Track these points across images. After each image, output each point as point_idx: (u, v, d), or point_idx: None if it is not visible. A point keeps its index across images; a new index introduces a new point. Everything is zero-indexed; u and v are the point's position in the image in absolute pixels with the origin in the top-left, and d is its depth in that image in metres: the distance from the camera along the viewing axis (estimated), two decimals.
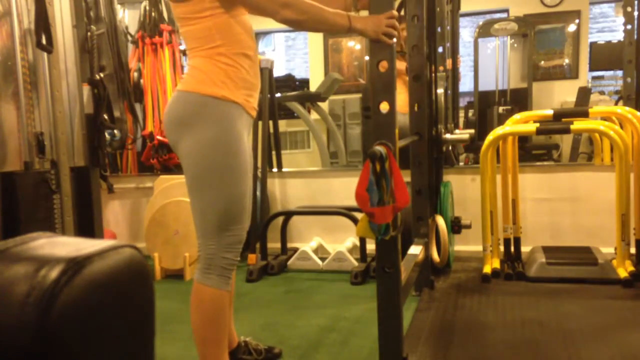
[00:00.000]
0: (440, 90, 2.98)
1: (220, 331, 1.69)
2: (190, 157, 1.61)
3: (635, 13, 3.42)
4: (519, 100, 5.84)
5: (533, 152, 5.30)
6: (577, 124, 2.98)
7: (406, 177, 2.72)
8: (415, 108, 2.67)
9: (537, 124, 2.99)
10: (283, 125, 5.98)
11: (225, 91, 1.61)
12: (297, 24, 1.65)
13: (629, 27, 3.47)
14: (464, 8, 4.16)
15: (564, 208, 3.44)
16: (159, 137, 3.83)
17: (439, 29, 3.05)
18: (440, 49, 3.14)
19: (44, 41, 2.64)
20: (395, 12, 1.69)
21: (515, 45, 6.33)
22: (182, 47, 3.96)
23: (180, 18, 1.66)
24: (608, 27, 6.72)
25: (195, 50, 1.64)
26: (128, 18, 4.41)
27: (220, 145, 1.59)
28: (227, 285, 1.65)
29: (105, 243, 0.55)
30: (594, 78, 6.28)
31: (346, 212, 3.22)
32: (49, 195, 2.71)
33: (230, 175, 1.61)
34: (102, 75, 2.95)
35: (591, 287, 2.78)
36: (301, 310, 2.69)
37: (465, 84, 6.33)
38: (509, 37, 6.14)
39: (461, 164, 4.49)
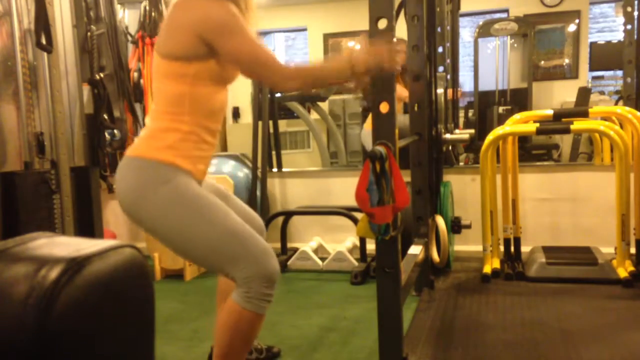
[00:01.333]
0: (440, 90, 2.98)
1: (249, 347, 1.68)
2: (159, 227, 1.53)
3: (635, 13, 3.41)
4: (519, 100, 5.85)
5: (533, 152, 5.30)
6: (577, 124, 2.98)
7: (406, 177, 2.72)
8: (415, 108, 2.67)
9: (537, 124, 2.99)
10: (283, 125, 5.97)
11: (174, 158, 1.52)
12: (302, 90, 1.61)
13: (629, 27, 3.47)
14: (464, 8, 4.16)
15: (564, 208, 3.44)
16: None
17: (439, 29, 3.05)
18: (440, 49, 3.14)
19: (44, 41, 2.63)
20: (398, 49, 1.61)
21: (515, 45, 6.33)
22: None
23: (159, 72, 1.57)
24: (608, 27, 6.72)
25: (159, 112, 1.57)
26: (128, 18, 4.41)
27: (179, 200, 1.51)
28: (265, 310, 1.57)
29: (105, 243, 0.55)
30: (594, 78, 6.28)
31: (346, 212, 3.22)
32: (49, 195, 2.71)
33: (205, 215, 1.51)
34: (102, 75, 2.95)
35: (591, 287, 2.78)
36: (301, 310, 2.69)
37: (465, 84, 6.33)
38: (509, 37, 6.14)
39: (461, 164, 4.49)
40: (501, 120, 5.09)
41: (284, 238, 3.57)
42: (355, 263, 3.30)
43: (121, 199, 1.56)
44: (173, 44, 1.52)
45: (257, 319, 1.55)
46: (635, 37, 3.43)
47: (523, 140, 4.75)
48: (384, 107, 1.74)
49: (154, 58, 1.60)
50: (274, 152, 4.10)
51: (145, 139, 1.57)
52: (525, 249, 3.22)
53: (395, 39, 1.67)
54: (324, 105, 5.62)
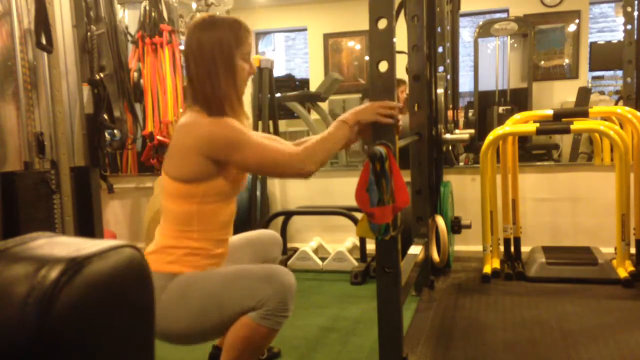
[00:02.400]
0: (440, 90, 2.98)
1: (258, 356, 1.70)
2: (174, 329, 1.55)
3: (635, 13, 3.42)
4: (519, 100, 5.85)
5: (533, 152, 5.30)
6: (577, 124, 2.98)
7: (406, 177, 2.72)
8: (415, 108, 2.67)
9: (537, 124, 2.99)
10: (283, 125, 5.97)
11: (181, 269, 1.55)
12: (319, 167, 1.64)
13: (629, 27, 3.47)
14: (464, 8, 4.16)
15: (564, 208, 3.44)
16: (158, 137, 3.83)
17: (439, 29, 3.05)
18: (440, 49, 3.14)
19: (44, 41, 2.64)
20: (391, 103, 1.67)
21: (515, 45, 6.33)
22: (182, 47, 3.96)
23: (168, 192, 1.60)
24: (608, 27, 6.72)
25: (167, 229, 1.60)
26: (128, 18, 4.41)
27: (203, 303, 1.52)
28: (282, 325, 1.56)
29: (105, 243, 0.55)
30: (594, 78, 6.29)
31: (346, 212, 3.22)
32: (49, 195, 2.71)
33: (217, 305, 1.52)
34: (102, 75, 2.95)
35: (591, 287, 2.78)
36: (301, 310, 2.69)
37: (465, 84, 6.33)
38: (509, 37, 6.15)
39: (461, 164, 4.49)
40: (501, 120, 5.09)
41: (284, 238, 3.57)
42: (355, 263, 3.31)
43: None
44: (181, 166, 1.55)
45: (272, 333, 1.55)
46: (635, 37, 3.43)
47: (523, 140, 4.75)
48: None
49: (163, 177, 1.62)
50: None
51: (153, 255, 1.58)
52: (525, 249, 3.22)
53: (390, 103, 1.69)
54: (324, 105, 5.62)
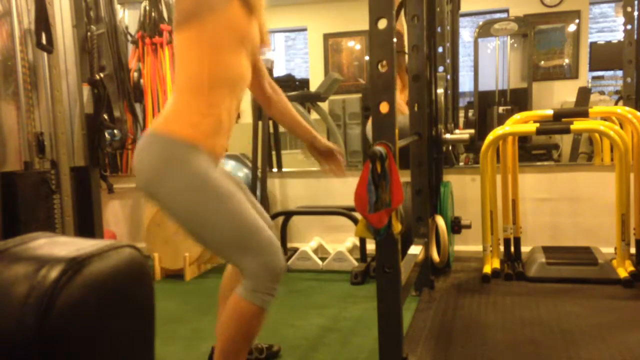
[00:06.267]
0: (440, 90, 2.98)
1: (249, 345, 1.68)
2: (174, 206, 1.54)
3: (635, 13, 3.42)
4: (519, 100, 5.84)
5: (533, 152, 5.30)
6: (577, 124, 2.98)
7: (406, 177, 2.72)
8: (415, 108, 2.67)
9: (537, 124, 2.99)
10: None
11: (194, 136, 1.53)
12: None
13: (629, 27, 3.47)
14: (464, 8, 4.16)
15: (564, 208, 3.44)
16: None
17: (439, 29, 3.05)
18: (440, 49, 3.14)
19: (44, 41, 2.64)
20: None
21: (515, 45, 6.33)
22: None
23: (178, 52, 1.59)
24: (608, 27, 6.72)
25: (179, 90, 1.58)
26: (128, 18, 4.41)
27: (197, 184, 1.51)
28: (269, 305, 1.58)
29: (105, 243, 0.55)
30: (594, 78, 6.29)
31: (346, 212, 3.22)
32: (49, 195, 2.71)
33: (222, 202, 1.52)
34: (102, 75, 2.95)
35: (591, 287, 2.78)
36: (301, 310, 2.69)
37: (465, 84, 6.33)
38: (509, 37, 6.14)
39: (461, 164, 4.49)
40: (501, 120, 5.09)
41: (284, 238, 3.57)
42: (355, 263, 3.30)
43: (138, 175, 1.57)
44: (182, 3, 1.55)
45: (260, 313, 1.57)
46: (635, 37, 3.44)
47: (523, 140, 4.75)
48: (384, 107, 1.74)
49: (174, 42, 1.62)
50: (274, 152, 4.10)
51: (165, 117, 1.58)
52: (525, 249, 3.22)
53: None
54: (324, 105, 5.61)
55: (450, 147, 3.65)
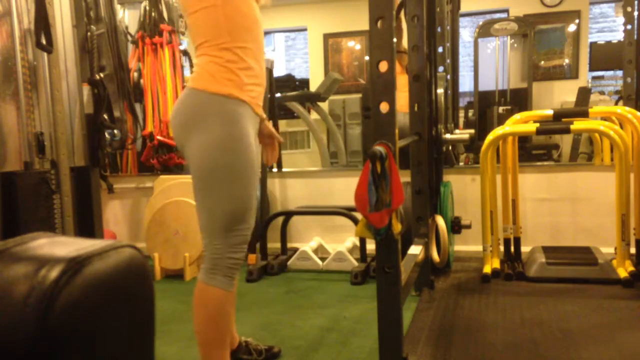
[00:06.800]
0: (440, 90, 2.98)
1: (224, 332, 1.68)
2: (197, 157, 1.59)
3: (635, 13, 3.42)
4: (519, 100, 5.85)
5: (533, 152, 5.30)
6: (577, 124, 2.98)
7: (406, 177, 2.72)
8: (415, 108, 2.67)
9: (537, 124, 2.99)
10: (283, 125, 5.98)
11: (231, 89, 1.59)
12: None
13: (629, 27, 3.47)
14: (464, 8, 4.16)
15: (564, 208, 3.45)
16: (159, 137, 3.83)
17: (439, 29, 3.05)
18: (440, 49, 3.14)
19: (43, 41, 2.64)
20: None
21: (515, 45, 6.33)
22: (182, 47, 3.96)
23: (189, 7, 1.63)
24: (608, 27, 6.72)
25: (201, 47, 1.63)
26: (128, 18, 4.42)
27: (227, 145, 1.57)
28: (232, 286, 1.63)
29: (105, 243, 0.55)
30: (594, 78, 6.29)
31: (346, 212, 3.22)
32: (49, 195, 2.71)
33: (237, 175, 1.58)
34: (102, 75, 2.95)
35: (591, 287, 2.78)
36: (301, 310, 2.69)
37: (465, 84, 6.33)
38: (509, 37, 6.15)
39: (461, 164, 4.50)
40: (501, 120, 5.09)
41: (284, 238, 3.57)
42: (355, 263, 3.30)
43: (173, 124, 1.65)
44: None
45: (222, 295, 1.61)
46: (635, 37, 3.44)
47: (523, 140, 4.76)
48: (384, 107, 1.74)
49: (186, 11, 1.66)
50: None
51: (199, 73, 1.62)
52: (525, 249, 3.22)
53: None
54: (324, 105, 5.62)
55: (450, 147, 3.65)
